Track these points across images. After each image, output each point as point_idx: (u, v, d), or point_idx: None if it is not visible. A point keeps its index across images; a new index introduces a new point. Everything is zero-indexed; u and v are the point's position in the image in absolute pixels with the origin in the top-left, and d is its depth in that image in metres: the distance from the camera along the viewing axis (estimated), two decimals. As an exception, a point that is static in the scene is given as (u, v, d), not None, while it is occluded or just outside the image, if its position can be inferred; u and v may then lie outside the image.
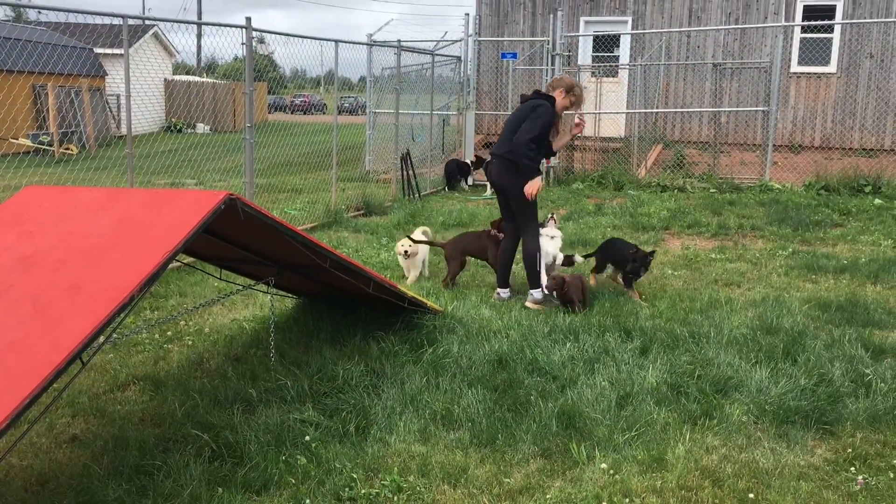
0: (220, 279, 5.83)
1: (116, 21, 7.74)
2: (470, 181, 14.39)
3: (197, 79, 32.11)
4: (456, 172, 14.33)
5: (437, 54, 15.82)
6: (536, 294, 6.51)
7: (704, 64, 17.10)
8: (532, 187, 6.38)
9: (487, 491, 3.57)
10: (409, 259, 7.22)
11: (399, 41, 13.28)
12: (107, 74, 25.93)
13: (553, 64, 14.60)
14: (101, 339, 3.20)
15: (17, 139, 16.84)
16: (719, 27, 16.98)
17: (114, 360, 5.13)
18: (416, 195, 12.84)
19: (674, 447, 3.91)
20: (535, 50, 16.94)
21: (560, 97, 6.58)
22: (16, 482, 3.62)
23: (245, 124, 8.70)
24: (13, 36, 18.30)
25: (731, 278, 7.51)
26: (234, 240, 4.88)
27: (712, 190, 13.35)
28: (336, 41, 10.74)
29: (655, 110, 16.73)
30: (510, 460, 3.85)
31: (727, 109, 16.63)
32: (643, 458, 3.82)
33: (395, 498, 3.50)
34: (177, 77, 31.27)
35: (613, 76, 17.55)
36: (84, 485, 3.53)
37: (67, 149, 18.15)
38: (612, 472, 3.70)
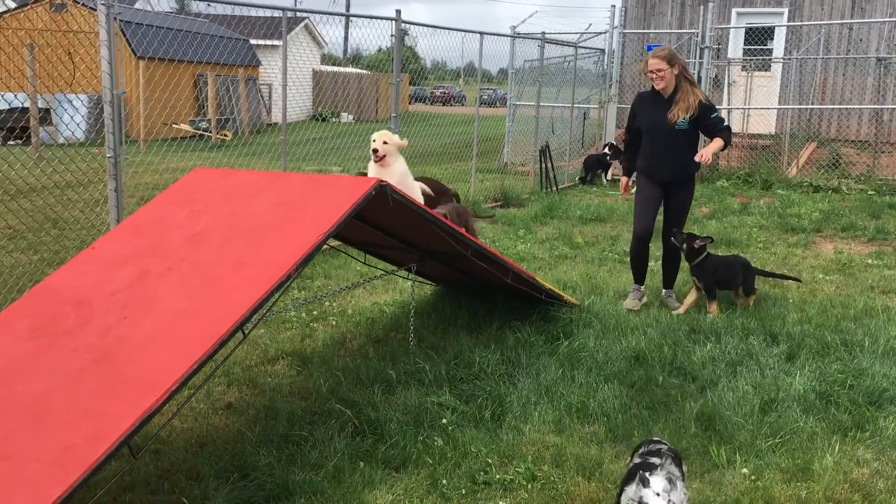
0: (363, 263, 6.04)
1: (272, 13, 8.12)
2: (609, 175, 14.18)
3: (343, 69, 33.15)
4: (595, 166, 14.15)
5: (580, 46, 15.65)
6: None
7: (867, 58, 16.07)
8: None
9: (622, 486, 3.55)
10: (381, 164, 5.40)
11: (543, 33, 13.24)
12: (260, 64, 27.20)
13: (701, 57, 14.13)
14: (261, 313, 3.41)
15: (179, 125, 17.96)
16: (885, 19, 15.90)
17: (265, 335, 5.44)
18: (554, 188, 12.79)
19: (821, 457, 3.75)
20: (683, 42, 16.46)
21: None
22: (178, 442, 3.91)
23: (390, 114, 8.94)
24: (178, 27, 19.50)
25: (890, 286, 7.07)
26: (380, 226, 5.05)
27: (871, 192, 12.56)
28: (481, 33, 10.84)
29: (811, 106, 15.88)
30: (646, 458, 3.80)
31: (891, 107, 15.57)
32: (787, 466, 3.69)
33: (530, 486, 3.54)
34: (324, 68, 32.40)
35: (766, 70, 16.78)
36: (238, 449, 3.78)
37: (224, 135, 19.21)
38: (753, 477, 3.60)
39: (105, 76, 5.29)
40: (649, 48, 16.76)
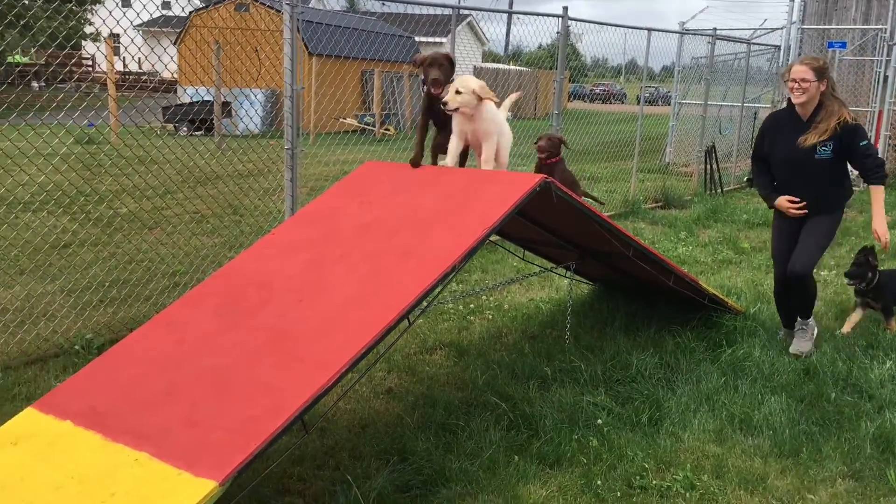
0: (521, 259, 6.08)
1: (437, 11, 8.28)
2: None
3: (504, 66, 33.30)
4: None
5: (754, 43, 14.94)
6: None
7: None
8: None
9: (788, 503, 3.40)
10: (461, 114, 4.18)
11: (714, 29, 12.76)
12: (423, 61, 27.77)
13: (889, 55, 13.14)
14: (425, 303, 3.51)
15: (345, 119, 18.70)
16: None
17: (424, 325, 5.59)
18: (719, 190, 12.31)
19: None
20: (868, 39, 15.36)
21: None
22: (342, 422, 4.11)
23: (553, 111, 8.91)
24: (348, 25, 20.29)
25: None
26: (541, 222, 5.07)
27: None
28: (649, 30, 10.59)
29: None
30: (815, 476, 3.62)
31: None
32: (977, 498, 3.40)
33: (688, 494, 3.46)
34: (485, 65, 32.68)
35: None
36: (397, 433, 3.91)
37: (387, 129, 19.81)
38: (936, 507, 3.35)
39: (287, 72, 5.60)
40: (830, 45, 15.82)
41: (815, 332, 5.25)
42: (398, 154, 13.85)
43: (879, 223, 4.92)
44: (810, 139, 4.89)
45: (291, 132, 5.72)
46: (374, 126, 19.63)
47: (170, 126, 17.65)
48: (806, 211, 5.05)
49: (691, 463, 3.71)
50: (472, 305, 6.13)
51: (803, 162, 4.97)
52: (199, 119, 16.52)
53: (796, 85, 4.88)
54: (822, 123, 4.88)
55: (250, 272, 3.76)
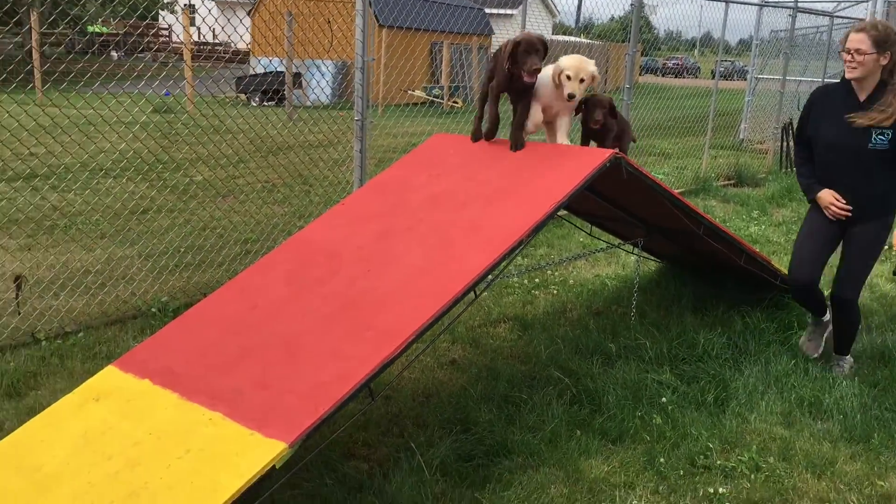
0: (588, 234, 6.04)
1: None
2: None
3: (573, 39, 32.80)
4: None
5: (837, 16, 14.38)
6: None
7: None
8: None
9: (856, 489, 3.34)
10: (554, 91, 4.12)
11: (796, 1, 12.31)
12: (493, 34, 27.59)
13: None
14: (490, 276, 3.53)
15: (413, 91, 18.73)
16: None
17: (488, 299, 5.61)
18: (796, 169, 11.96)
19: None
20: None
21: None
22: (406, 391, 4.17)
23: (624, 85, 8.76)
24: (418, -3, 20.27)
25: None
26: (610, 198, 5.02)
27: None
28: (726, 2, 10.30)
29: None
30: (886, 463, 3.54)
31: None
32: None
33: (753, 476, 3.42)
34: (556, 37, 32.24)
35: None
36: (461, 404, 3.96)
37: (454, 102, 19.78)
38: None
39: (358, 44, 5.63)
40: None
41: (851, 368, 4.56)
42: (466, 127, 13.84)
43: None
44: (863, 121, 4.11)
45: (361, 103, 5.77)
46: (442, 98, 19.62)
47: (243, 96, 18.00)
48: (850, 213, 4.27)
49: (757, 444, 3.66)
50: (537, 280, 6.13)
51: (854, 150, 4.17)
52: (272, 90, 16.78)
53: (850, 57, 4.10)
54: (883, 106, 4.08)
55: (320, 241, 3.84)
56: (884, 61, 4.07)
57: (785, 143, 12.05)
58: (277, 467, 2.64)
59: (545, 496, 3.25)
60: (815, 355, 4.63)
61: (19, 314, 4.84)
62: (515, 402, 3.98)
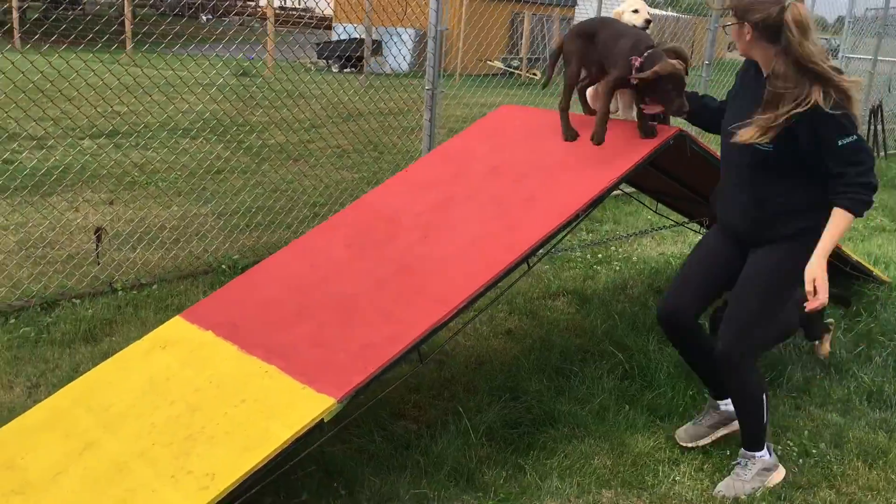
0: (654, 212, 5.98)
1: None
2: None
3: (658, 12, 31.95)
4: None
5: (939, -7, 13.63)
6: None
7: None
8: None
9: (908, 481, 3.28)
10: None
11: (892, -23, 11.75)
12: (577, 5, 27.14)
13: None
14: (546, 248, 3.56)
15: (492, 61, 18.65)
16: None
17: (549, 272, 5.64)
18: (882, 153, 11.49)
19: None
20: None
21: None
22: (459, 357, 4.26)
23: (703, 61, 8.56)
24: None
25: None
26: (676, 175, 4.96)
27: None
28: (817, -24, 9.90)
29: None
30: (943, 457, 3.46)
31: None
32: None
33: (801, 461, 3.39)
34: (640, 9, 31.42)
35: None
36: (512, 372, 4.03)
37: (532, 73, 19.61)
38: None
39: (431, 12, 5.67)
40: None
41: (770, 471, 3.25)
42: (541, 99, 13.72)
43: (816, 264, 2.95)
44: (744, 136, 2.99)
45: (433, 72, 5.81)
46: (519, 70, 19.47)
47: (321, 62, 18.24)
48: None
49: (809, 430, 3.62)
50: (599, 255, 6.11)
51: (739, 150, 3.07)
52: (353, 56, 16.93)
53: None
54: (772, 104, 2.91)
55: (381, 206, 3.93)
56: (747, 36, 3.00)
57: (873, 127, 11.58)
58: (326, 421, 2.75)
59: (588, 466, 3.29)
60: (686, 444, 3.47)
61: (98, 264, 5.11)
62: (566, 374, 4.02)
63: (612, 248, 6.32)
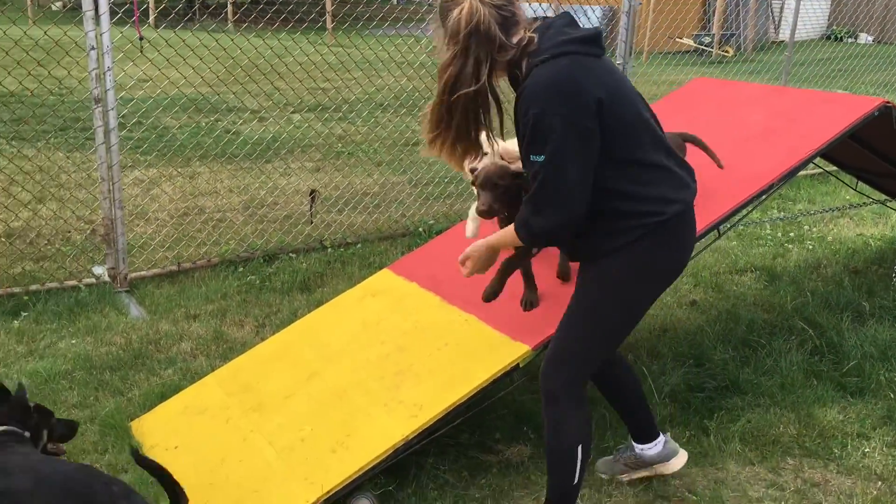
0: (854, 190, 5.75)
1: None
2: None
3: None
4: None
5: None
6: None
7: None
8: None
9: None
10: None
11: None
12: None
13: None
14: (736, 218, 3.60)
15: (682, 39, 18.14)
16: None
17: (736, 248, 5.59)
18: None
19: None
20: None
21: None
22: (643, 325, 4.34)
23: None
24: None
25: None
26: (882, 151, 4.77)
27: None
28: None
29: None
30: None
31: None
32: None
33: None
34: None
35: None
36: (696, 341, 4.10)
37: (725, 51, 18.89)
38: None
39: (625, -13, 5.75)
40: None
41: None
42: (734, 76, 13.26)
43: (473, 248, 2.80)
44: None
45: (624, 48, 5.89)
46: (711, 47, 18.81)
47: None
48: None
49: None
50: (791, 234, 5.96)
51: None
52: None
53: None
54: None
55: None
56: (449, 44, 2.44)
57: None
58: (521, 366, 3.00)
59: (772, 432, 3.34)
60: (603, 475, 3.10)
61: (311, 223, 5.65)
62: (753, 346, 4.04)
63: (806, 227, 6.13)
